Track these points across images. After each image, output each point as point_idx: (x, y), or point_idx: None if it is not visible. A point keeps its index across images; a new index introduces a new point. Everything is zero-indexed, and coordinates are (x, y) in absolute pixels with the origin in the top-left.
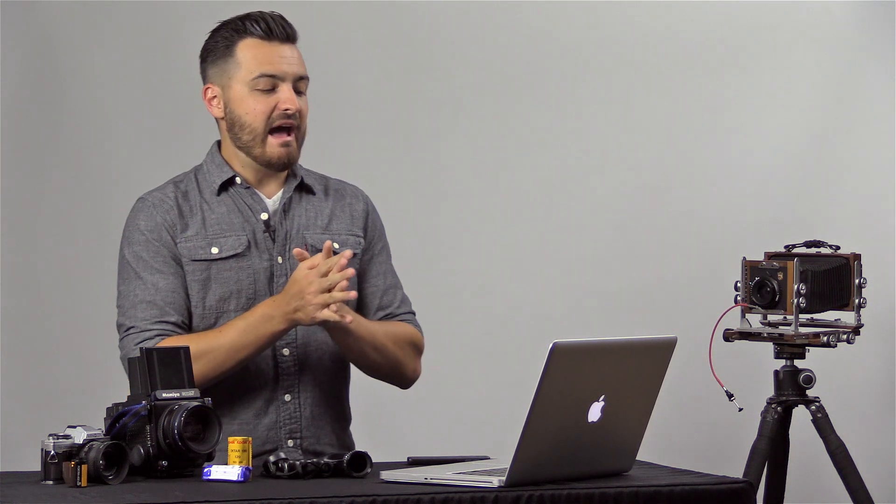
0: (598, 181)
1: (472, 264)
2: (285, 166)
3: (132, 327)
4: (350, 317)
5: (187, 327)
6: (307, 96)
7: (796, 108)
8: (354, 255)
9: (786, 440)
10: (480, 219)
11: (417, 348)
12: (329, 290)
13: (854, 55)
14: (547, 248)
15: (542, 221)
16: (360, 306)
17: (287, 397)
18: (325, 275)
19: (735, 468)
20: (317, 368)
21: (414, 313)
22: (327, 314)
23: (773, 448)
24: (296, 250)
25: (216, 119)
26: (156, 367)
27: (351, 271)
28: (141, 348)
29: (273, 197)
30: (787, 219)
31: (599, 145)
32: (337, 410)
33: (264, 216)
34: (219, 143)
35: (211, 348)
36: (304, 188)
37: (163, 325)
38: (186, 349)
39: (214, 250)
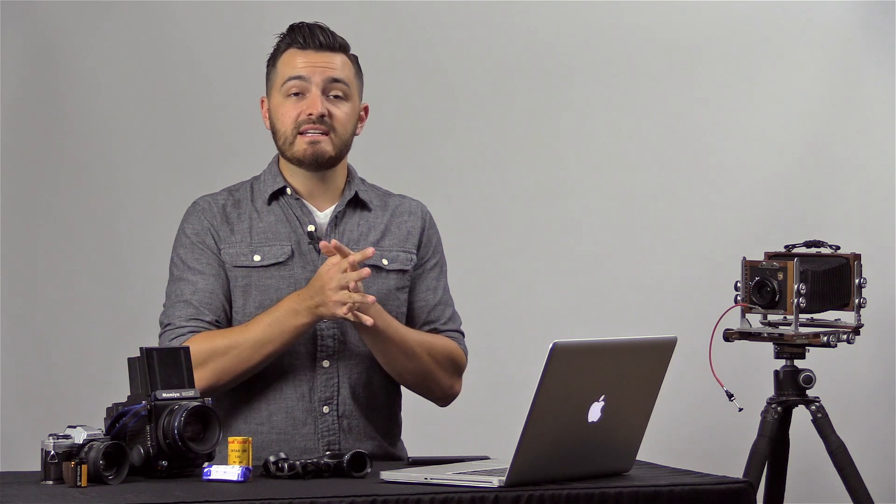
0: (598, 181)
1: (471, 264)
2: (317, 165)
3: (168, 324)
4: (371, 320)
5: (223, 327)
6: (356, 102)
7: (796, 109)
8: (403, 272)
9: (786, 440)
10: (480, 219)
11: (455, 365)
12: (349, 287)
13: (854, 55)
14: (547, 248)
15: (542, 221)
16: (407, 319)
17: (325, 409)
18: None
19: (735, 468)
20: (357, 381)
21: (462, 333)
22: (344, 312)
23: (773, 448)
24: (322, 243)
25: None
26: (156, 367)
27: (366, 272)
28: (140, 348)
29: (325, 210)
30: (787, 219)
31: (599, 146)
32: (382, 423)
33: (311, 227)
34: (279, 155)
35: (237, 343)
36: (359, 203)
37: (196, 322)
38: (186, 349)
39: (257, 258)
